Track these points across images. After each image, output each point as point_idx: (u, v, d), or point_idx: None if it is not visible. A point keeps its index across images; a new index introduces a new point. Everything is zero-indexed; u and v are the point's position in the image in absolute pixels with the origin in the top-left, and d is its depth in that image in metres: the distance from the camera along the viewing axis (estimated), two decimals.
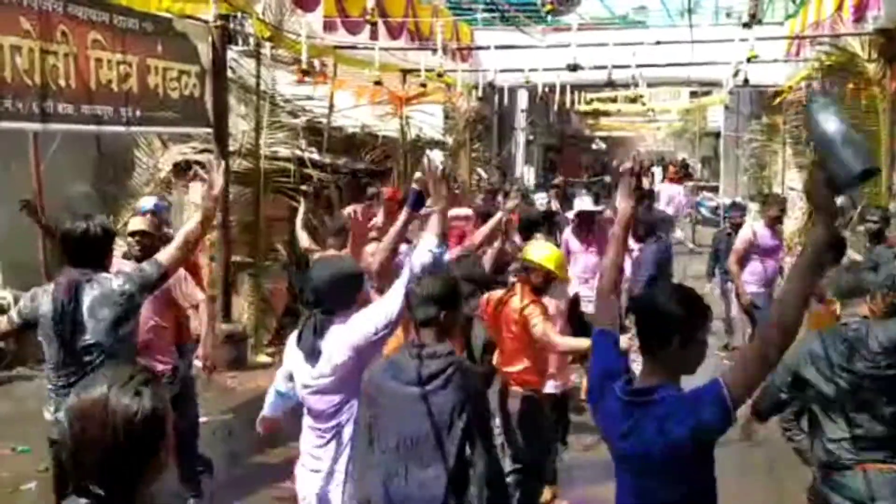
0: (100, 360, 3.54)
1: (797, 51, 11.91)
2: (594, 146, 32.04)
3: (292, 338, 3.40)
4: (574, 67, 8.79)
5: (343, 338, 3.13)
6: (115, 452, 1.58)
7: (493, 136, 18.74)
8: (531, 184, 20.04)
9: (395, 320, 3.12)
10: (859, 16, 10.56)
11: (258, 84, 9.17)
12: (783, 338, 2.23)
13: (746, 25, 8.62)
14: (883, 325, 3.43)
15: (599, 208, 8.04)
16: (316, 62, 10.43)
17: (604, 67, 9.45)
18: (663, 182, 18.32)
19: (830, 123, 2.18)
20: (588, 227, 7.41)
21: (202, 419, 5.58)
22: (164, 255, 3.72)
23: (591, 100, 22.53)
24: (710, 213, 19.79)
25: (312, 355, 3.18)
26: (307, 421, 3.35)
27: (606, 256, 2.79)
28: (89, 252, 3.66)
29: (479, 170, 15.25)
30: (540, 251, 4.85)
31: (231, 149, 8.61)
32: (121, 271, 3.83)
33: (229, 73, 8.78)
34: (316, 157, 10.07)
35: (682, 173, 20.60)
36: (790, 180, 13.83)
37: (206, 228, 3.96)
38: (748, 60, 9.22)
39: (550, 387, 5.14)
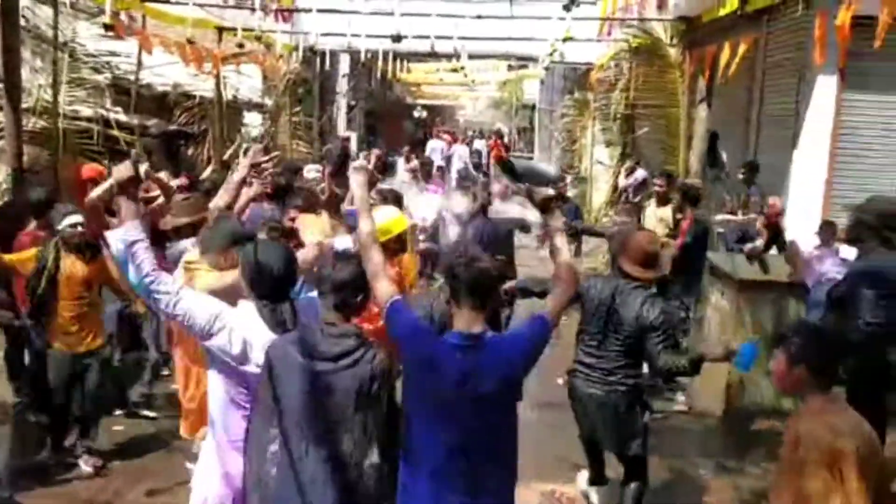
0: None
1: (609, 31, 12.51)
2: (416, 114, 32.21)
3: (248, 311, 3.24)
4: (397, 38, 8.73)
5: None
6: None
7: (314, 100, 18.36)
8: (354, 150, 19.86)
9: None
10: (662, 2, 11.27)
11: (55, 35, 8.40)
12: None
13: (566, 8, 8.93)
14: None
15: None
16: (123, 15, 9.71)
17: (426, 38, 9.47)
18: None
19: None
20: None
21: None
22: None
23: (411, 69, 22.60)
24: None
25: None
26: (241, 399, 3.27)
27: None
28: None
29: (300, 134, 14.89)
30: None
31: (24, 105, 7.85)
32: None
33: (22, 22, 7.98)
34: (122, 117, 9.42)
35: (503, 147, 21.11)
36: (598, 154, 14.57)
37: None
38: (563, 41, 9.57)
39: None
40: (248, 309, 3.24)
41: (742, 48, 8.36)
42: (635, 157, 11.98)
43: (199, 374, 4.06)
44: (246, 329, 3.18)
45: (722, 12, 9.11)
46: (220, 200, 4.46)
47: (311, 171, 8.04)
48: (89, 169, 6.59)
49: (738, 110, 9.54)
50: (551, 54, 11.43)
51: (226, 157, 8.60)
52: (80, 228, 5.03)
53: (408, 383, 3.00)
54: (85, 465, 5.18)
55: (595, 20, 11.74)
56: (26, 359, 5.55)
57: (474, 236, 6.77)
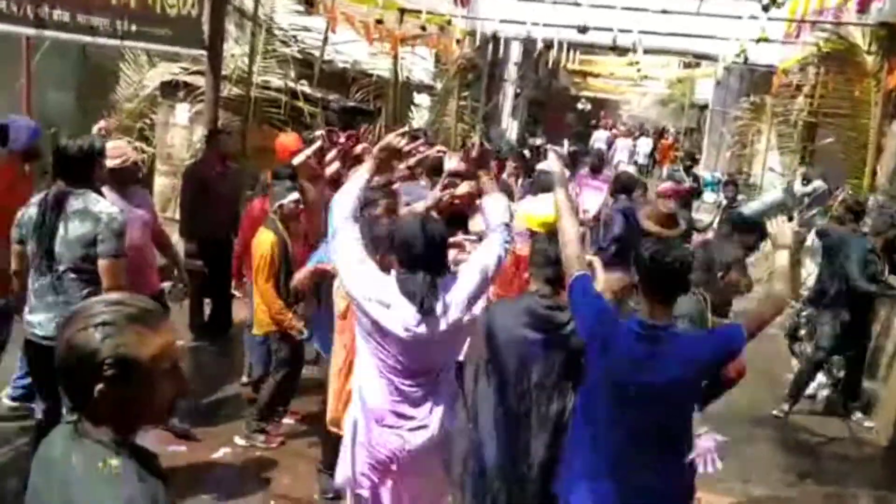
0: (65, 271, 3.88)
1: (797, 33, 11.89)
2: (580, 106, 31.83)
3: (389, 279, 3.20)
4: (584, 29, 8.68)
5: (457, 295, 3.13)
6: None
7: (482, 85, 18.53)
8: (513, 137, 19.94)
9: (494, 274, 3.25)
10: (864, 7, 10.55)
11: (256, 9, 8.93)
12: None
13: (765, 8, 8.55)
14: None
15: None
16: None
17: (609, 30, 9.35)
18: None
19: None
20: None
21: None
22: None
23: (581, 59, 22.34)
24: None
25: (427, 312, 3.09)
26: (394, 380, 3.23)
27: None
28: (73, 170, 3.93)
29: (465, 118, 15.09)
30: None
31: (223, 73, 8.41)
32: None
33: None
34: (307, 89, 9.90)
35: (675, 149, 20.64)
36: (770, 161, 13.94)
37: None
38: (757, 41, 9.17)
39: None
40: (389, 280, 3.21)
41: None
42: (818, 169, 11.33)
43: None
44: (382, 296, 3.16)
45: None
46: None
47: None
48: (288, 141, 6.86)
49: None
50: (739, 54, 10.99)
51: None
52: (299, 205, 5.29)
53: (584, 363, 3.09)
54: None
55: (785, 21, 11.17)
56: None
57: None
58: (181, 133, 9.23)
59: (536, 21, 10.38)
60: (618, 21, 9.63)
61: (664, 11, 9.76)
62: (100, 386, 1.57)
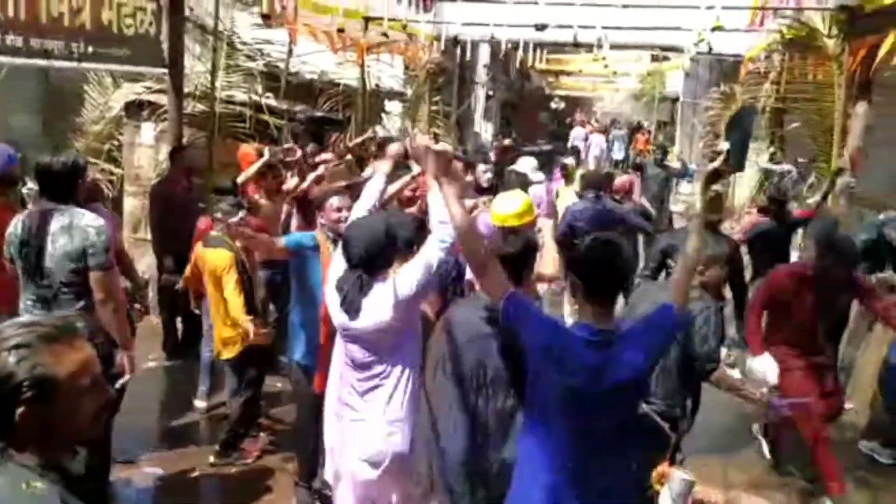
0: (59, 287, 3.92)
1: (761, 21, 11.97)
2: (553, 105, 31.94)
3: (331, 280, 3.45)
4: (541, 27, 8.69)
5: (382, 300, 3.22)
6: None
7: (453, 89, 18.56)
8: (488, 140, 20.01)
9: (431, 280, 3.25)
10: None
11: (216, 24, 8.88)
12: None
13: None
14: None
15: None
16: (277, 5, 10.15)
17: (569, 27, 9.36)
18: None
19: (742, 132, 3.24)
20: None
21: None
22: None
23: (550, 59, 22.46)
24: None
25: (354, 311, 3.26)
26: (343, 372, 3.45)
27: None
28: (56, 186, 3.96)
29: (438, 123, 15.09)
30: None
31: (186, 90, 8.37)
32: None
33: (187, 12, 8.51)
34: (272, 102, 9.85)
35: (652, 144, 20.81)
36: None
37: None
38: (712, 30, 9.23)
39: None
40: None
41: None
42: (789, 153, 11.44)
43: None
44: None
45: (888, 0, 8.54)
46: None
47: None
48: (248, 151, 6.88)
49: None
50: (697, 44, 11.05)
51: (352, 143, 8.84)
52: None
53: (530, 376, 2.93)
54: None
55: (745, 9, 11.25)
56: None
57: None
58: (148, 153, 9.17)
59: (499, 22, 10.39)
60: (580, 18, 9.65)
61: (625, 6, 9.81)
62: (20, 409, 1.54)
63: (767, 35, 11.76)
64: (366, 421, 3.35)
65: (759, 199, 8.82)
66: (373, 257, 3.26)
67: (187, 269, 5.63)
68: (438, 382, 3.33)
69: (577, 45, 12.11)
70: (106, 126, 10.00)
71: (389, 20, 10.72)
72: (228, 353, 5.16)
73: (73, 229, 3.89)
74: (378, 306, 3.22)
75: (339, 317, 3.33)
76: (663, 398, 3.81)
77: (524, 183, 7.27)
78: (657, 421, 3.67)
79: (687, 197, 14.22)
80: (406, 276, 3.22)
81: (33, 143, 9.09)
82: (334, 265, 3.50)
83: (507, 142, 11.58)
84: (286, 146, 6.26)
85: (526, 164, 8.22)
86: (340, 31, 10.51)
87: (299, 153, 6.43)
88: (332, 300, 3.38)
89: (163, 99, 8.41)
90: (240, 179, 6.19)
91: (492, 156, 10.80)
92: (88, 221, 3.93)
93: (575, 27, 9.21)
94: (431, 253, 3.21)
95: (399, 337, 3.30)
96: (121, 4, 7.12)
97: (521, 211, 4.90)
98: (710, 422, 5.60)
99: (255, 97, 9.29)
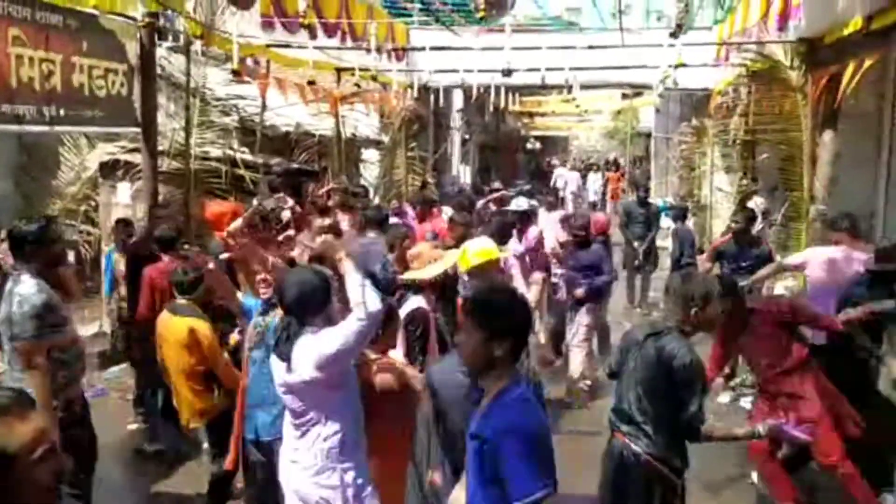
0: (12, 350, 3.97)
1: (726, 56, 12.22)
2: (529, 145, 32.28)
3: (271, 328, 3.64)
4: (508, 72, 8.82)
5: (308, 354, 3.28)
6: None
7: (429, 135, 18.73)
8: (467, 183, 20.14)
9: (359, 341, 3.28)
10: (782, 24, 10.92)
11: (188, 82, 8.96)
12: None
13: (673, 35, 8.84)
14: None
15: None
16: (249, 60, 10.26)
17: (537, 70, 9.51)
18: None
19: None
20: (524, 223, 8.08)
21: None
22: None
23: (524, 101, 22.79)
24: None
25: (286, 359, 3.33)
26: (287, 413, 3.52)
27: None
28: (20, 250, 4.05)
29: (416, 169, 15.20)
30: None
31: (160, 148, 8.41)
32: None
33: (159, 70, 8.58)
34: (248, 157, 9.90)
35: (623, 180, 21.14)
36: (718, 181, 14.18)
37: None
38: (675, 67, 9.43)
39: None
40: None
41: (867, 65, 8.02)
42: (759, 185, 11.63)
43: None
44: None
45: (846, 32, 8.76)
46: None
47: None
48: (221, 207, 6.91)
49: (869, 131, 9.11)
50: (663, 80, 11.26)
51: (320, 192, 8.94)
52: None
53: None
54: None
55: (706, 45, 11.49)
56: None
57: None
58: (124, 212, 9.15)
59: (469, 68, 10.54)
60: (547, 61, 9.81)
61: (590, 47, 9.99)
62: None
63: (733, 69, 12.00)
64: (298, 463, 3.42)
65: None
66: (304, 304, 3.33)
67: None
68: (426, 442, 3.38)
69: (545, 87, 12.29)
70: (82, 187, 10.02)
71: (361, 70, 10.85)
72: (200, 422, 5.12)
73: (9, 296, 3.96)
74: (304, 359, 3.27)
75: (276, 366, 3.41)
76: (665, 447, 3.75)
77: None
78: (661, 468, 3.68)
79: (665, 231, 14.28)
80: (330, 336, 3.27)
81: (10, 207, 9.12)
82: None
83: (497, 192, 11.65)
84: (277, 195, 6.27)
85: (521, 202, 8.60)
86: (311, 83, 10.62)
87: (291, 202, 6.43)
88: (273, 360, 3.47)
89: (138, 158, 8.43)
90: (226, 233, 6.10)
91: (480, 201, 10.92)
92: (21, 290, 3.94)
93: (543, 70, 9.35)
94: (346, 332, 3.25)
95: (329, 390, 3.33)
96: (92, 67, 7.20)
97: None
98: (709, 469, 5.63)
99: (230, 152, 9.33)
